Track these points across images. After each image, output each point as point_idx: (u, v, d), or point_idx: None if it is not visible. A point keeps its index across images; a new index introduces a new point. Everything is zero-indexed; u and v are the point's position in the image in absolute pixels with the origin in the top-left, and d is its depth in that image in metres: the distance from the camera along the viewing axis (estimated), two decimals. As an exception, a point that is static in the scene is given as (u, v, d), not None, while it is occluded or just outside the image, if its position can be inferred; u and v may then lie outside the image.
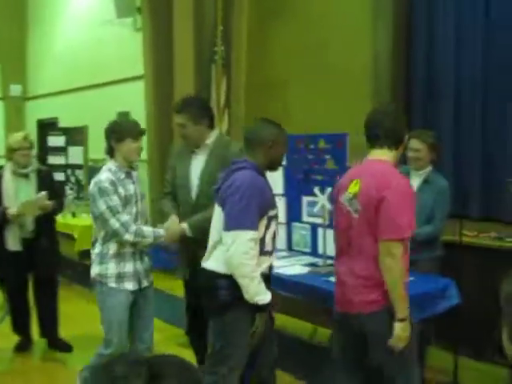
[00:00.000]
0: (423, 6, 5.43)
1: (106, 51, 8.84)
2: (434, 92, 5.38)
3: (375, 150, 2.97)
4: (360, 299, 2.86)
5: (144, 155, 7.61)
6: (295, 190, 4.69)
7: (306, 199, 4.61)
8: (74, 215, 7.34)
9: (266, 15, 6.72)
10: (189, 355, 3.90)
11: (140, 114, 7.69)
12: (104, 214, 3.46)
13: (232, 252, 2.90)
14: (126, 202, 3.55)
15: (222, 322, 3.05)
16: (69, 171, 8.19)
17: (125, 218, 3.49)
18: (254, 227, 2.91)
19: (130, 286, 3.57)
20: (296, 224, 4.70)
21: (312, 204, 4.53)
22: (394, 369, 2.87)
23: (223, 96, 6.79)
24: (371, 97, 5.60)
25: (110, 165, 3.61)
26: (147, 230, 3.58)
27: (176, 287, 6.26)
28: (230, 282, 2.97)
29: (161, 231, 3.62)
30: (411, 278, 3.74)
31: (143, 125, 7.46)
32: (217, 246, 3.09)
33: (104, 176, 3.52)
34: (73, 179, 8.13)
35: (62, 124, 9.65)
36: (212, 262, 3.09)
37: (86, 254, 7.61)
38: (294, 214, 4.71)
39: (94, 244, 3.65)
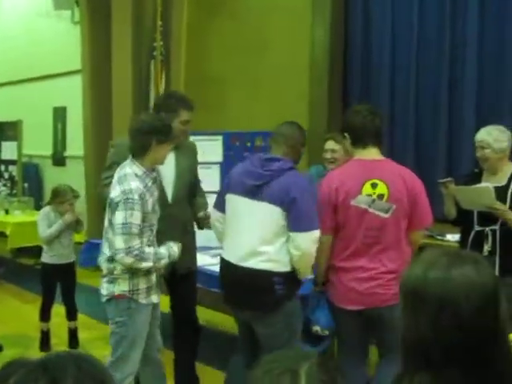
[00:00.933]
0: (359, 2, 5.52)
1: (42, 44, 8.61)
2: (370, 91, 5.48)
3: (370, 150, 3.16)
4: (393, 292, 2.95)
5: (80, 151, 7.51)
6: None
7: (242, 197, 4.60)
8: (7, 212, 7.13)
9: (205, 11, 6.68)
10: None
11: (77, 109, 7.55)
12: (117, 228, 3.05)
13: (310, 250, 3.05)
14: (153, 211, 3.20)
15: (282, 315, 3.11)
16: (2, 167, 7.96)
17: (134, 243, 3.07)
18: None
19: (155, 298, 3.30)
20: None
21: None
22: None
23: (162, 91, 6.72)
24: (308, 95, 5.65)
25: (136, 168, 3.12)
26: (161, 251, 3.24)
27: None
28: (284, 278, 3.08)
29: (173, 250, 3.29)
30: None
31: (80, 120, 7.40)
32: (264, 245, 3.08)
33: (134, 185, 3.05)
34: (6, 175, 7.91)
35: (-4, 118, 9.37)
36: (265, 263, 3.07)
37: (19, 252, 7.45)
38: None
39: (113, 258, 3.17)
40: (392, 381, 1.32)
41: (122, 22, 6.84)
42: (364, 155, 3.16)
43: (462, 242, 3.91)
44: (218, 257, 4.29)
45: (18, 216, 7.08)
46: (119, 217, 3.04)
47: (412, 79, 5.17)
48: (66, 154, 8.46)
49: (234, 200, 3.17)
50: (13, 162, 7.89)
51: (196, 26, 6.77)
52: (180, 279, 3.74)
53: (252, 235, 3.08)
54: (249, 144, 4.60)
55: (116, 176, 3.15)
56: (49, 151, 8.68)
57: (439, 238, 4.63)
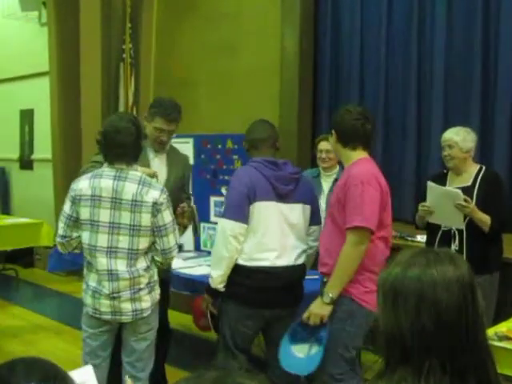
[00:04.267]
0: (329, 5, 5.57)
1: (9, 46, 8.49)
2: (339, 92, 5.52)
3: (359, 152, 3.10)
4: None
5: (48, 154, 7.42)
6: (203, 190, 4.68)
7: (213, 199, 4.62)
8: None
9: (175, 13, 6.66)
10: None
11: (45, 112, 7.46)
12: (169, 226, 3.01)
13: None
14: None
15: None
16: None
17: None
18: None
19: None
20: (204, 224, 4.69)
21: (220, 204, 4.53)
22: None
23: (131, 95, 6.69)
24: (279, 98, 5.67)
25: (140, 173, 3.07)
26: None
27: (80, 289, 6.14)
28: None
29: None
30: (316, 276, 3.88)
31: (48, 123, 7.31)
32: (303, 241, 3.29)
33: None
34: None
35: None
36: (304, 258, 3.29)
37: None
38: (201, 214, 4.68)
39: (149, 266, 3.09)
40: (373, 376, 1.38)
41: (91, 24, 6.78)
42: (363, 155, 3.12)
43: (429, 242, 3.97)
44: (190, 260, 4.34)
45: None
46: (167, 216, 3.01)
47: (381, 79, 5.22)
48: (34, 157, 8.35)
49: (266, 207, 3.13)
50: (-22, 165, 7.74)
51: (166, 29, 6.74)
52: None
53: (296, 235, 3.23)
54: (220, 146, 4.62)
55: (126, 183, 2.96)
56: (16, 154, 8.56)
57: (409, 239, 4.68)
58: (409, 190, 5.03)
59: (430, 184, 3.78)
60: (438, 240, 3.83)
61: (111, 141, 2.98)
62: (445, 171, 3.95)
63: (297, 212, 3.23)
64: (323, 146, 4.35)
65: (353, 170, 3.01)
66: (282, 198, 3.16)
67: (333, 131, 3.12)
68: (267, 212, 3.13)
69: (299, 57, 5.58)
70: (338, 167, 4.41)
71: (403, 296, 1.31)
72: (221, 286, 3.15)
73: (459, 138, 3.75)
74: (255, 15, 5.89)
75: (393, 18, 5.17)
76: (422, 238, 4.43)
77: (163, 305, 3.79)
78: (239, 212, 3.08)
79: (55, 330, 5.15)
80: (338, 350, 2.98)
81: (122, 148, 2.97)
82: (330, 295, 2.93)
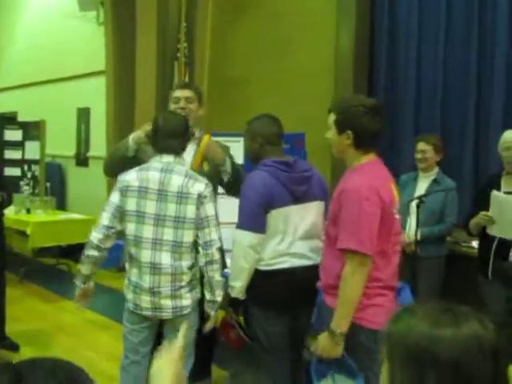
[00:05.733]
0: (386, 2, 5.44)
1: (67, 45, 8.67)
2: (396, 92, 5.39)
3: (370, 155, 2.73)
4: None
5: (103, 152, 7.52)
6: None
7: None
8: (28, 211, 7.15)
9: (229, 12, 6.66)
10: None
11: (101, 110, 7.57)
12: (211, 218, 3.00)
13: None
14: None
15: None
16: (25, 166, 8.00)
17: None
18: None
19: None
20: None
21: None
22: None
23: (185, 93, 6.71)
24: (332, 96, 5.57)
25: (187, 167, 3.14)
26: None
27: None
28: None
29: None
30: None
31: (103, 121, 7.41)
32: (320, 239, 3.09)
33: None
34: (29, 174, 7.94)
35: (21, 118, 9.43)
36: (318, 257, 3.03)
37: (40, 252, 7.48)
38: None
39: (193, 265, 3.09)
40: None
41: (147, 24, 6.85)
42: (371, 158, 2.74)
43: (483, 249, 3.84)
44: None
45: (40, 215, 7.10)
46: (211, 209, 3.01)
47: (439, 81, 5.06)
48: (89, 154, 8.49)
49: (284, 212, 3.01)
50: (36, 162, 7.92)
51: (220, 28, 6.74)
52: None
53: (314, 234, 3.11)
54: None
55: (173, 175, 2.98)
56: (72, 151, 8.72)
57: (464, 244, 4.53)
58: (466, 196, 4.85)
59: (494, 193, 3.64)
60: (495, 247, 3.70)
61: (165, 126, 3.07)
62: (502, 174, 3.80)
63: (313, 211, 3.11)
64: (420, 146, 4.38)
65: (353, 179, 2.63)
66: (299, 199, 3.05)
67: (349, 132, 2.65)
68: (285, 217, 3.01)
69: (354, 57, 5.48)
70: (436, 168, 4.41)
71: (433, 360, 1.12)
72: (241, 295, 3.07)
73: None
74: (311, 15, 5.83)
75: (452, 19, 5.00)
76: (477, 243, 4.28)
77: None
78: (256, 222, 2.96)
79: (102, 324, 5.19)
80: None
81: (174, 133, 3.06)
82: (339, 331, 2.58)
